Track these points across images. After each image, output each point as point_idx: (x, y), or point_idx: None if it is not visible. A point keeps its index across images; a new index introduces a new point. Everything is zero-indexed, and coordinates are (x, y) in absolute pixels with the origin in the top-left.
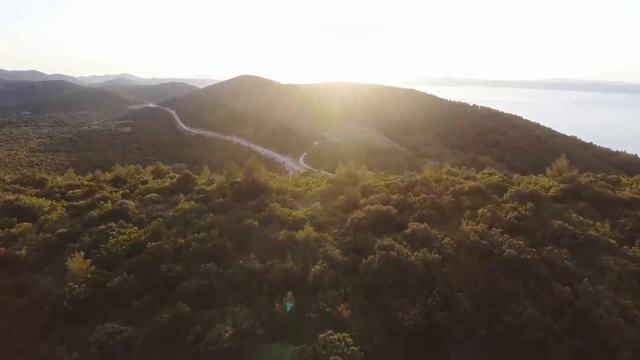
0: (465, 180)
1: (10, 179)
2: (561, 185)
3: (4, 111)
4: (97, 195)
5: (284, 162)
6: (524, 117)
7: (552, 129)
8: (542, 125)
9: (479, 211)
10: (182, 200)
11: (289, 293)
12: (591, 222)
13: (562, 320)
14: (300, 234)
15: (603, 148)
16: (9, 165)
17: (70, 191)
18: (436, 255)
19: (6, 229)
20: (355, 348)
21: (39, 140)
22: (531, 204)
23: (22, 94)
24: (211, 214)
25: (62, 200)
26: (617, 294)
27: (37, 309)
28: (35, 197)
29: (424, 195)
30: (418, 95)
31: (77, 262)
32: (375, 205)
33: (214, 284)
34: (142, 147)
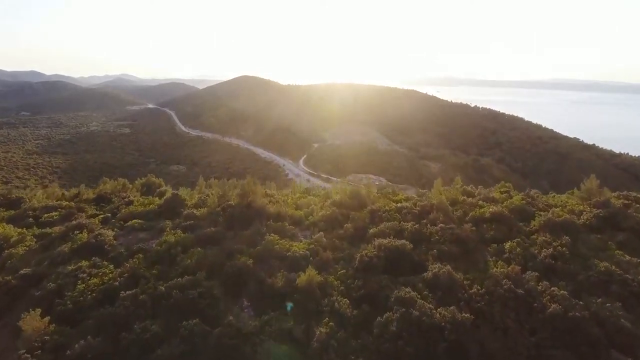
0: (485, 204)
1: None
2: (594, 211)
3: (3, 112)
4: (74, 222)
5: (283, 165)
6: (525, 118)
7: (554, 130)
8: (543, 126)
9: (507, 246)
10: (168, 228)
11: None
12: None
13: None
14: (301, 279)
15: (605, 150)
16: (5, 168)
17: (46, 214)
18: (466, 315)
19: None
20: None
21: (36, 141)
22: (567, 237)
23: (22, 95)
24: (199, 249)
25: (34, 228)
26: None
27: None
28: (4, 224)
29: (441, 225)
30: (418, 96)
31: (32, 322)
32: (387, 239)
33: (198, 348)
34: (141, 148)
